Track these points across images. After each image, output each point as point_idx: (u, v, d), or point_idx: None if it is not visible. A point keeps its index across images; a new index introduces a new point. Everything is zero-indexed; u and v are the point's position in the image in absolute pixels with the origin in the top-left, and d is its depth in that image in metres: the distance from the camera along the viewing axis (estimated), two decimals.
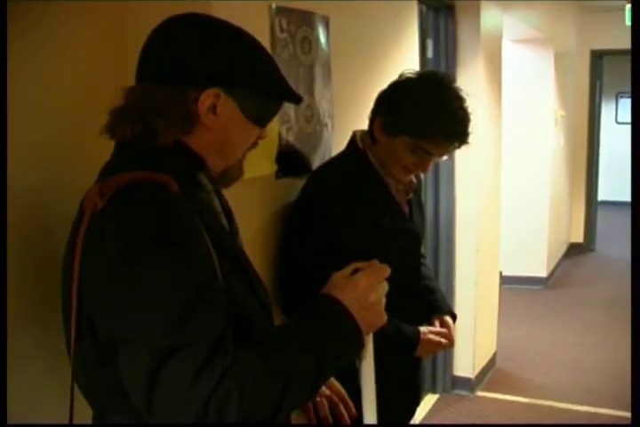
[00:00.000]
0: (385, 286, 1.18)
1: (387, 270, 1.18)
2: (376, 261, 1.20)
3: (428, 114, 1.76)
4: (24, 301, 1.34)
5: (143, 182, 1.04)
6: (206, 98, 1.12)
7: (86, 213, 1.04)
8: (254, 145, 1.26)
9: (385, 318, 1.18)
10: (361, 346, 1.17)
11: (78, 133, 1.44)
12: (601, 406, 3.87)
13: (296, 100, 1.27)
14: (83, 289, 1.04)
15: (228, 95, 1.14)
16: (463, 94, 1.86)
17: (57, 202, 1.39)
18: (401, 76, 1.87)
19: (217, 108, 1.13)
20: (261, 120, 1.23)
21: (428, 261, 3.93)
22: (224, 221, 1.26)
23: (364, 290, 1.13)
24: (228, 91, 1.14)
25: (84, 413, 1.17)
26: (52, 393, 1.34)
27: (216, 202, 1.25)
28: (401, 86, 1.85)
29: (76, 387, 1.12)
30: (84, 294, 1.04)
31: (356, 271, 1.17)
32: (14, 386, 1.27)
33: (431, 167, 1.92)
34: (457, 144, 1.84)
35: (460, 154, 3.89)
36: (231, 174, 1.26)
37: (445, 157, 1.92)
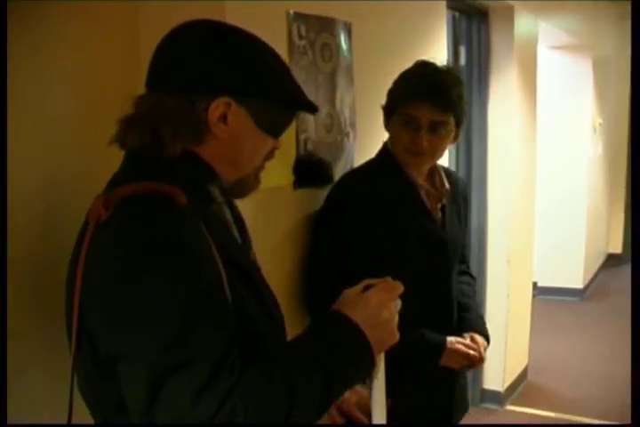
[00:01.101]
0: (398, 304, 1.14)
1: (399, 287, 1.15)
2: (389, 278, 1.16)
3: (400, 80, 1.88)
4: (25, 304, 1.34)
5: (148, 194, 1.02)
6: (216, 107, 1.09)
7: (90, 225, 1.02)
8: (270, 155, 1.23)
9: (397, 336, 1.14)
10: (372, 365, 1.12)
11: (87, 142, 1.43)
12: None
13: (312, 109, 1.23)
14: (84, 302, 1.02)
15: (239, 104, 1.11)
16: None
17: (62, 212, 1.38)
18: None
19: (227, 118, 1.10)
20: (275, 130, 1.19)
21: None
22: (235, 233, 1.23)
23: (376, 307, 1.10)
24: (240, 100, 1.11)
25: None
26: (55, 396, 1.32)
27: (227, 213, 1.23)
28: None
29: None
30: (85, 307, 1.02)
31: (368, 288, 1.13)
32: (13, 389, 1.26)
33: (427, 144, 1.82)
34: (426, 99, 1.79)
35: (492, 162, 3.88)
36: (247, 185, 1.23)
37: (453, 141, 1.91)
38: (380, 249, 1.81)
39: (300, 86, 1.20)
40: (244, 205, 1.66)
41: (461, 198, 2.09)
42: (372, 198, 1.83)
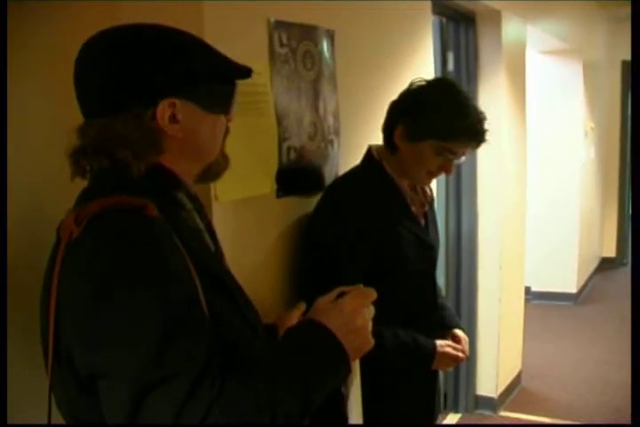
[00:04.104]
0: (371, 310, 1.15)
1: (372, 294, 1.15)
2: (361, 285, 1.17)
3: (452, 115, 1.81)
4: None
5: (120, 208, 1.01)
6: (163, 111, 1.08)
7: (62, 242, 1.02)
8: (227, 131, 1.22)
9: (372, 342, 1.14)
10: (348, 372, 1.12)
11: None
12: None
13: (246, 74, 1.20)
14: (60, 320, 1.01)
15: (181, 99, 1.10)
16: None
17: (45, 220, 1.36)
18: (411, 85, 1.92)
19: (177, 117, 1.10)
20: (224, 108, 1.18)
21: (450, 276, 3.93)
22: (208, 240, 1.23)
23: (350, 314, 1.10)
24: (180, 94, 1.09)
25: None
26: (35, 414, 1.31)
27: (198, 221, 1.22)
28: (417, 93, 1.90)
29: None
30: (61, 325, 1.01)
31: (341, 295, 1.14)
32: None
33: (454, 170, 1.96)
34: (478, 142, 1.88)
35: (482, 167, 3.88)
36: (217, 167, 1.24)
37: (463, 159, 1.94)
38: (377, 254, 1.83)
39: (222, 55, 1.17)
40: (224, 215, 1.65)
41: (432, 201, 2.15)
42: (370, 206, 1.85)
